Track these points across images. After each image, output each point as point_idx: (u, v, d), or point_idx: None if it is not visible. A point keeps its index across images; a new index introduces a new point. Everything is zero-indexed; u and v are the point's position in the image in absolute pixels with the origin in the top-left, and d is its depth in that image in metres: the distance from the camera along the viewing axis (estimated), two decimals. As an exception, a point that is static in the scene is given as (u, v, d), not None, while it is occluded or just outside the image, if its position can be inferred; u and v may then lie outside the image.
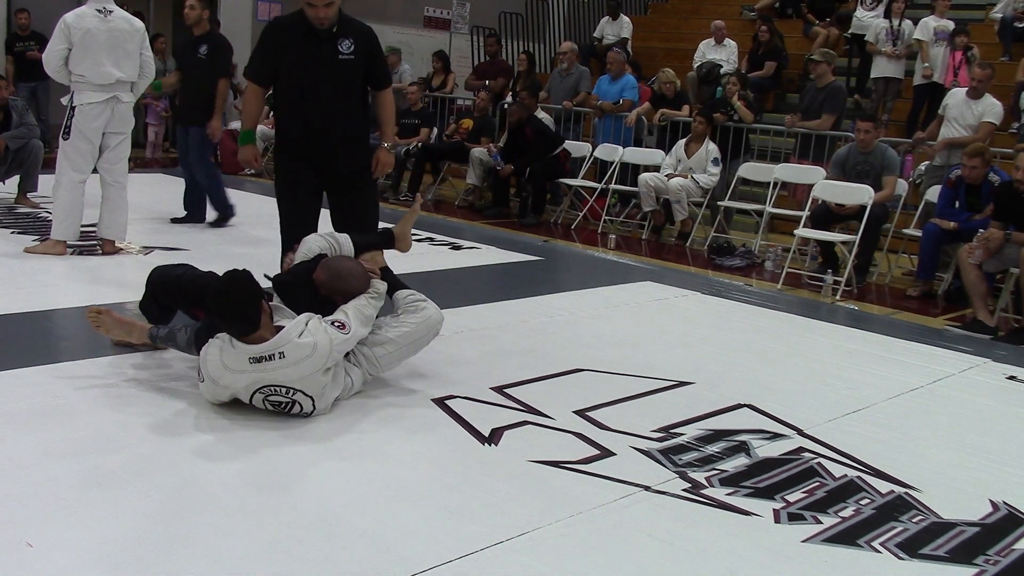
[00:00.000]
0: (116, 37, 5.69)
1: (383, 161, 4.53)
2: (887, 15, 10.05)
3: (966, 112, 7.43)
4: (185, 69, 7.21)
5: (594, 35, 12.87)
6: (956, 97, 7.58)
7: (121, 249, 6.02)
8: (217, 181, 7.37)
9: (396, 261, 4.93)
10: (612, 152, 9.01)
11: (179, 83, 7.38)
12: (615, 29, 12.33)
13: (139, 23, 5.92)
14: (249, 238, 6.90)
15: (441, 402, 3.67)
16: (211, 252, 6.26)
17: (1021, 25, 10.28)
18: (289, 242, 4.24)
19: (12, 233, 6.23)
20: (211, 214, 7.33)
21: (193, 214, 7.26)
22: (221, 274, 3.42)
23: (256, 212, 7.53)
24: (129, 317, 3.97)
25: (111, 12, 5.71)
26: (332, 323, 3.38)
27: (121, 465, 2.90)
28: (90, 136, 5.70)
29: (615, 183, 8.86)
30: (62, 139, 5.73)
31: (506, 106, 9.10)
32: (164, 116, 11.99)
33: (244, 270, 3.35)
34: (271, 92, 4.56)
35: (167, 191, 8.61)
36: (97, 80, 5.64)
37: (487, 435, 3.36)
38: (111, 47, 5.66)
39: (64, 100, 5.77)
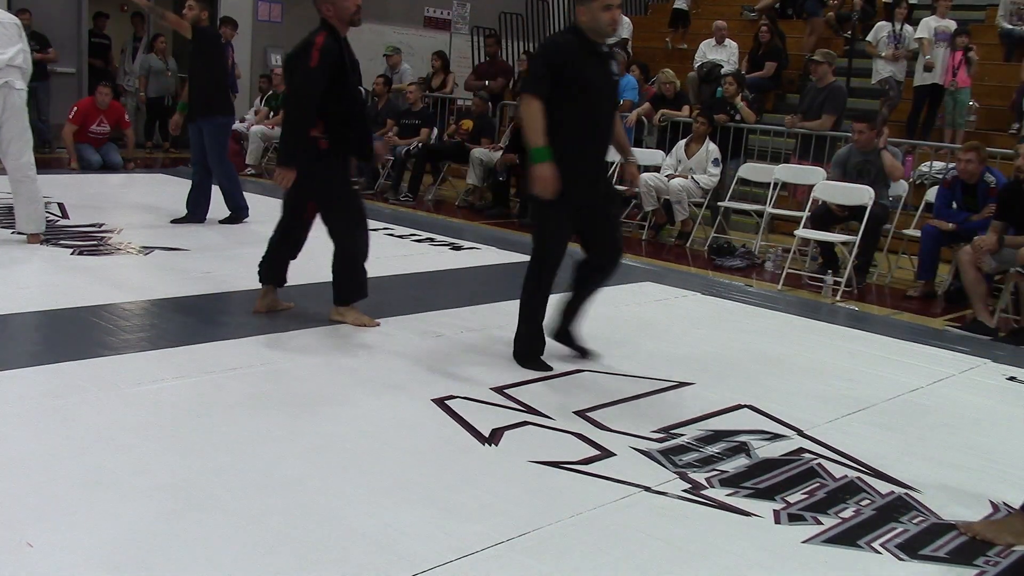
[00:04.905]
0: None
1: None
2: (890, 18, 10.09)
3: None
4: (189, 71, 7.28)
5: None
6: None
7: (44, 240, 6.05)
8: (235, 180, 7.40)
9: (398, 263, 4.94)
10: (612, 152, 8.99)
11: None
12: (615, 29, 12.32)
13: (14, 17, 5.83)
14: (251, 237, 6.89)
15: (441, 402, 3.67)
16: (212, 252, 6.26)
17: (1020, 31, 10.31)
18: None
19: (12, 233, 6.22)
20: (215, 213, 7.32)
21: (194, 214, 7.25)
22: None
23: (258, 211, 7.52)
24: None
25: None
26: None
27: (121, 465, 2.90)
28: None
29: (615, 183, 8.84)
30: None
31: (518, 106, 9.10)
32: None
33: None
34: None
35: (167, 191, 8.61)
36: None
37: (487, 435, 3.36)
38: None
39: None
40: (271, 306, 4.78)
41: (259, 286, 4.78)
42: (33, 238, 6.02)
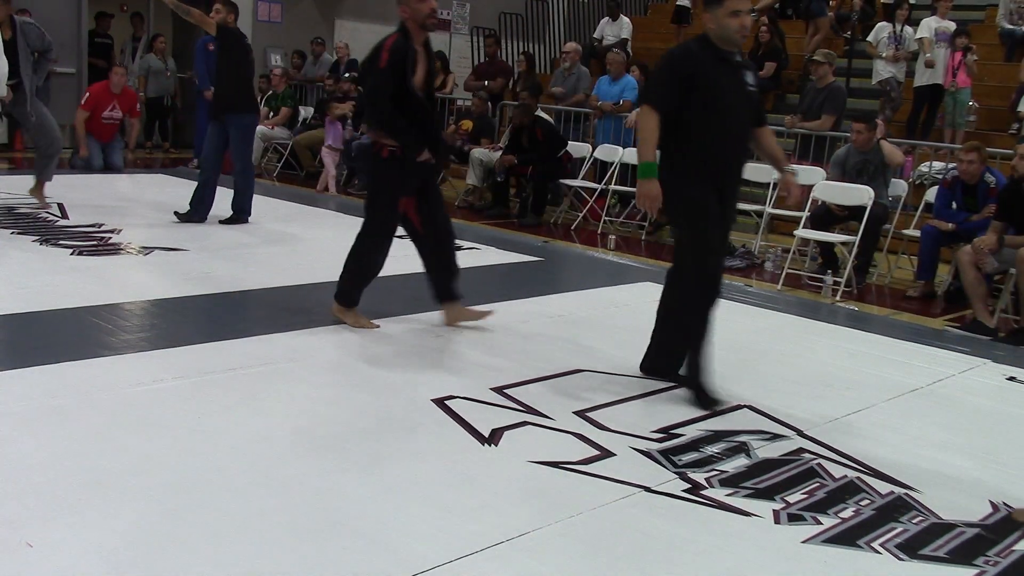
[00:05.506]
0: None
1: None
2: (890, 19, 10.11)
3: None
4: (215, 71, 7.40)
5: (594, 36, 12.87)
6: None
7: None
8: (250, 182, 7.41)
9: (398, 263, 4.94)
10: (612, 153, 9.01)
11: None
12: (615, 30, 12.33)
13: None
14: (251, 238, 6.89)
15: (441, 402, 3.67)
16: (212, 252, 6.26)
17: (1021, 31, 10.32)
18: None
19: (12, 233, 6.22)
20: (216, 212, 7.32)
21: (196, 211, 7.24)
22: None
23: (258, 212, 7.52)
24: None
25: None
26: None
27: (121, 465, 2.90)
28: None
29: (615, 184, 8.86)
30: None
31: (516, 106, 9.11)
32: (348, 140, 10.20)
33: None
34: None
35: (167, 191, 8.61)
36: None
37: (487, 435, 3.37)
38: None
39: None
40: (455, 318, 4.77)
41: (258, 286, 4.78)
42: None
